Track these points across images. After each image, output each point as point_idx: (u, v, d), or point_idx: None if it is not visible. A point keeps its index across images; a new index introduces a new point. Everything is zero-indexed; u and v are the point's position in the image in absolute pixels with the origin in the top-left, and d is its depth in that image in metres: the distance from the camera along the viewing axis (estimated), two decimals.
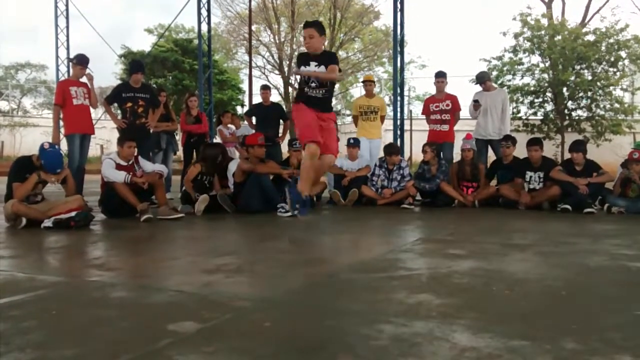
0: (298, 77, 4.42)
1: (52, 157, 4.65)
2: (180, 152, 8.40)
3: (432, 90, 7.57)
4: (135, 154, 5.38)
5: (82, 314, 2.00)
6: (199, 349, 1.59)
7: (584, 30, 15.14)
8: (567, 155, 6.30)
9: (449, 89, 7.35)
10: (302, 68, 4.33)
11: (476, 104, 6.98)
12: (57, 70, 13.00)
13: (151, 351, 1.58)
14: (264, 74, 27.71)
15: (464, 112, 7.46)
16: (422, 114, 7.57)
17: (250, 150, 5.90)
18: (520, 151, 6.50)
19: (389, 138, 8.86)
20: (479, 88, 7.34)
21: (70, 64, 6.59)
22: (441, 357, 1.53)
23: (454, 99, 7.19)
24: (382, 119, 7.65)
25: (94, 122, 6.68)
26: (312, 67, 4.27)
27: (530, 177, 6.22)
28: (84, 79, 6.28)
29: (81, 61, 6.24)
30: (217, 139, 8.83)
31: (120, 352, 1.57)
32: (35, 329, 1.80)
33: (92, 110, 6.49)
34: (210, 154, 5.94)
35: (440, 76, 7.31)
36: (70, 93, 6.12)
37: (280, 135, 7.87)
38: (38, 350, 1.60)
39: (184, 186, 5.90)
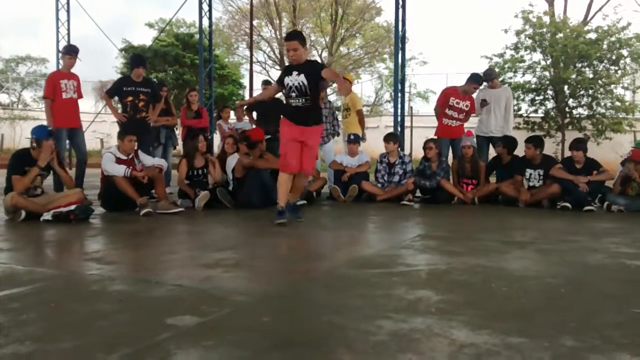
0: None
1: (38, 128, 4.82)
2: (180, 147, 8.39)
3: (433, 87, 7.54)
4: (136, 148, 5.38)
5: (81, 307, 2.00)
6: (198, 342, 1.59)
7: (586, 28, 15.11)
8: (568, 153, 6.29)
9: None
10: (286, 78, 4.44)
11: (484, 102, 6.94)
12: (58, 63, 12.98)
13: (150, 345, 1.59)
14: (264, 69, 27.76)
15: None
16: (439, 103, 7.03)
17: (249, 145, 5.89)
18: (521, 150, 6.48)
19: None
20: (483, 85, 7.27)
21: (60, 55, 6.55)
22: (440, 353, 1.53)
23: (472, 102, 6.92)
24: (359, 113, 7.31)
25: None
26: (294, 77, 4.37)
27: (530, 174, 6.22)
28: (74, 70, 6.21)
29: (69, 51, 6.19)
30: (217, 135, 8.82)
31: (119, 346, 1.57)
32: (34, 321, 1.81)
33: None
34: (189, 148, 5.98)
35: (479, 83, 6.88)
36: (60, 86, 6.05)
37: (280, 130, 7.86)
38: (37, 343, 1.60)
39: (179, 186, 5.86)
